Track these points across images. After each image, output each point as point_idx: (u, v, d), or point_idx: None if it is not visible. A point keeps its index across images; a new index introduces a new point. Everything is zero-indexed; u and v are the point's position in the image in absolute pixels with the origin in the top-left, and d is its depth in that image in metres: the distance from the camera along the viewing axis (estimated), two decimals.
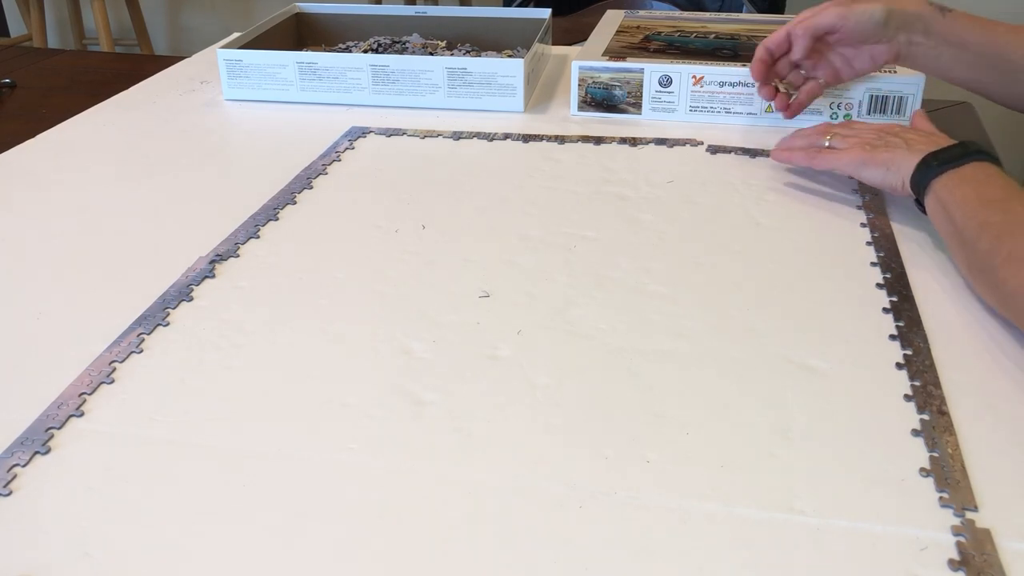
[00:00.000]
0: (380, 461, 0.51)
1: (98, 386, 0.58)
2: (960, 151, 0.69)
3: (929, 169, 0.69)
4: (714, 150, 0.91)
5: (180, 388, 0.58)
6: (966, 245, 0.64)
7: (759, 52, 0.87)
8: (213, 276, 0.70)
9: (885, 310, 0.64)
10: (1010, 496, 0.48)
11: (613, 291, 0.67)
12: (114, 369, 0.59)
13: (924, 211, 0.71)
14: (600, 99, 1.00)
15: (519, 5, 1.80)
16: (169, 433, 0.54)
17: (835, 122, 0.89)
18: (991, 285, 0.61)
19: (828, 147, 0.80)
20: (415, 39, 1.17)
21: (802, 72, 0.90)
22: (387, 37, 1.18)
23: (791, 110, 0.91)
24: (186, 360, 0.60)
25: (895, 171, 0.73)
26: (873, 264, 0.69)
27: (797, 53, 0.86)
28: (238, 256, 0.73)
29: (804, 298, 0.66)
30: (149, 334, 0.63)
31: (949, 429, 0.52)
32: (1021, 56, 0.79)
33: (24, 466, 0.51)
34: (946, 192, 0.67)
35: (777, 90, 0.90)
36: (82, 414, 0.55)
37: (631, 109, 0.99)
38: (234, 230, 0.77)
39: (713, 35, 1.08)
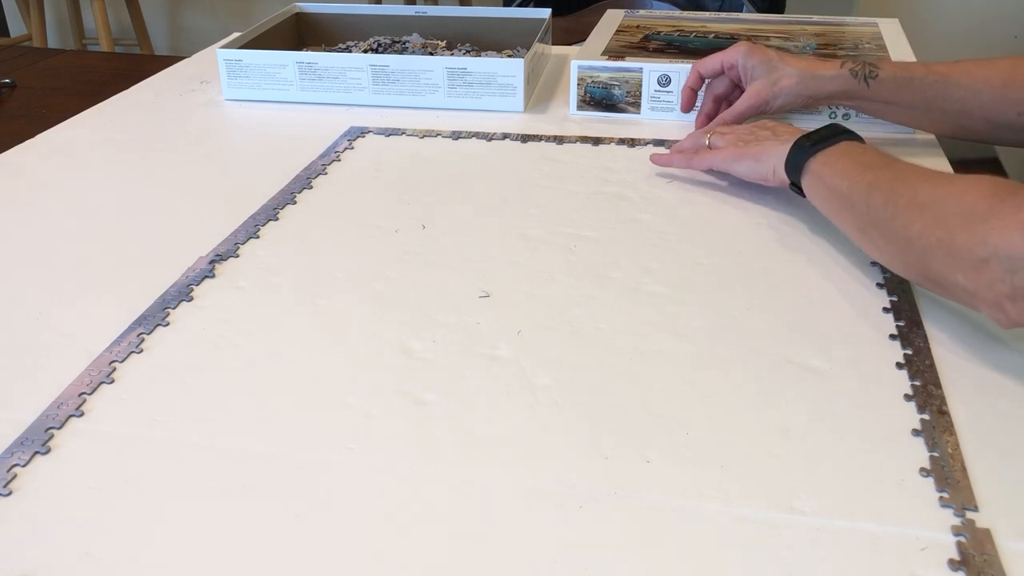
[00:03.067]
0: (380, 461, 0.51)
1: (98, 386, 0.58)
2: (830, 131, 0.71)
3: (803, 150, 0.71)
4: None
5: (180, 388, 0.58)
6: (856, 206, 0.65)
7: (690, 79, 0.93)
8: (213, 276, 0.70)
9: (885, 310, 0.64)
10: (1010, 496, 0.48)
11: (613, 291, 0.67)
12: (114, 369, 0.59)
13: (802, 194, 0.72)
14: (599, 98, 1.00)
15: (519, 5, 1.80)
16: (169, 433, 0.54)
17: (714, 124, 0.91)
18: (889, 236, 0.61)
19: (707, 147, 0.84)
20: (415, 39, 1.17)
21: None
22: (387, 37, 1.18)
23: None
24: (186, 360, 0.60)
25: (764, 161, 0.76)
26: (873, 264, 0.69)
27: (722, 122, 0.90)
28: (238, 256, 0.73)
29: (804, 298, 0.66)
30: (149, 334, 0.63)
31: (949, 429, 0.52)
32: (948, 104, 0.79)
33: (24, 466, 0.51)
34: (823, 167, 0.69)
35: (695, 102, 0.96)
36: (82, 414, 0.55)
37: (630, 108, 0.99)
38: (234, 230, 0.77)
39: (713, 35, 1.08)
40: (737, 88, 0.90)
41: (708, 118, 0.92)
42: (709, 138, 0.84)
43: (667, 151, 0.89)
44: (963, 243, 0.54)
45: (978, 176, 0.57)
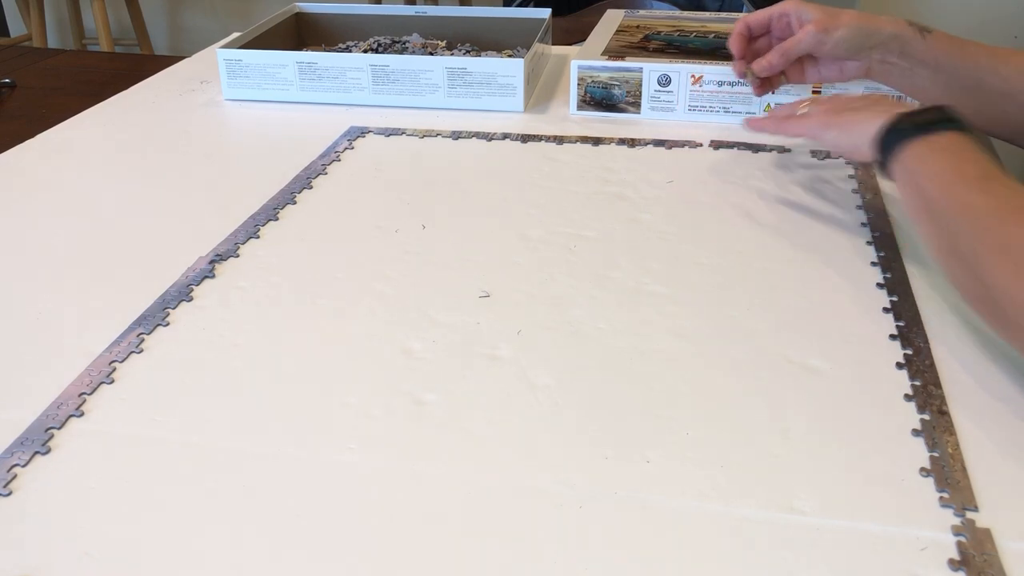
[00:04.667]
0: (380, 461, 0.51)
1: (98, 386, 0.58)
2: (937, 116, 0.64)
3: (899, 133, 0.65)
4: (716, 145, 0.91)
5: (180, 388, 0.58)
6: (941, 226, 0.59)
7: (739, 26, 0.87)
8: (213, 276, 0.70)
9: (885, 310, 0.64)
10: (1010, 496, 0.48)
11: (613, 291, 0.67)
12: (114, 369, 0.59)
13: (885, 174, 0.67)
14: (599, 98, 1.00)
15: (519, 5, 1.80)
16: (169, 433, 0.54)
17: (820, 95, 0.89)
18: (969, 273, 0.56)
19: (800, 115, 0.79)
20: (415, 39, 1.17)
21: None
22: (387, 37, 1.18)
23: (760, 88, 0.90)
24: (186, 360, 0.60)
25: (855, 133, 0.70)
26: (873, 264, 0.69)
27: (769, 70, 0.86)
28: (238, 256, 0.73)
29: (804, 298, 0.66)
30: (149, 334, 0.63)
31: (949, 429, 0.52)
32: (996, 82, 0.76)
33: (24, 466, 0.51)
34: (918, 161, 0.63)
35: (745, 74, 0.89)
36: (82, 414, 0.55)
37: (630, 108, 0.99)
38: (234, 230, 0.77)
39: (713, 35, 1.08)
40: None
41: (744, 40, 0.87)
42: (806, 107, 0.79)
43: (750, 118, 0.85)
44: None
45: None
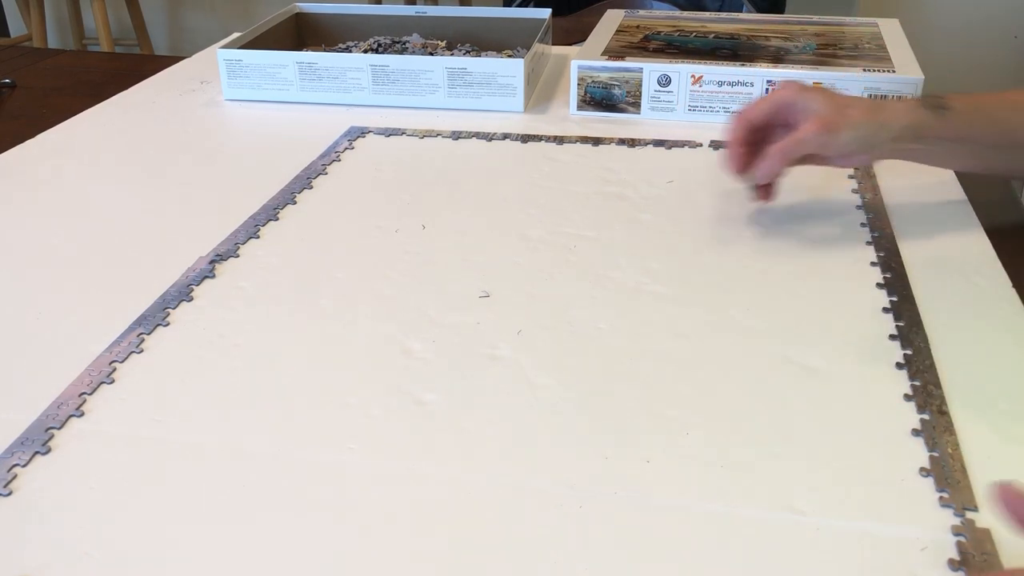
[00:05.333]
0: (380, 461, 0.51)
1: (98, 386, 0.58)
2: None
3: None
4: (716, 145, 0.91)
5: (180, 388, 0.58)
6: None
7: (737, 125, 0.73)
8: (213, 276, 0.70)
9: (885, 310, 0.64)
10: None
11: (613, 291, 0.67)
12: (114, 369, 0.59)
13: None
14: (599, 98, 1.00)
15: (519, 5, 1.80)
16: (169, 433, 0.54)
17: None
18: None
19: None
20: (415, 39, 1.17)
21: None
22: (387, 37, 1.18)
23: (764, 194, 0.76)
24: (186, 360, 0.60)
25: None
26: (873, 264, 0.69)
27: (771, 175, 0.74)
28: (238, 256, 0.73)
29: (804, 298, 0.66)
30: (149, 334, 0.63)
31: (949, 429, 0.52)
32: None
33: (24, 466, 0.51)
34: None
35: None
36: (82, 414, 0.55)
37: (630, 108, 0.99)
38: (234, 230, 0.77)
39: (713, 35, 1.08)
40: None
41: (745, 162, 0.74)
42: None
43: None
44: None
45: None
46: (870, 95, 0.93)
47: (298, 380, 0.58)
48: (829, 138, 0.69)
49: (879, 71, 0.92)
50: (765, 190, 0.76)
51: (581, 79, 0.99)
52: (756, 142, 0.73)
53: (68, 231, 0.78)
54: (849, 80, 0.93)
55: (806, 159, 0.73)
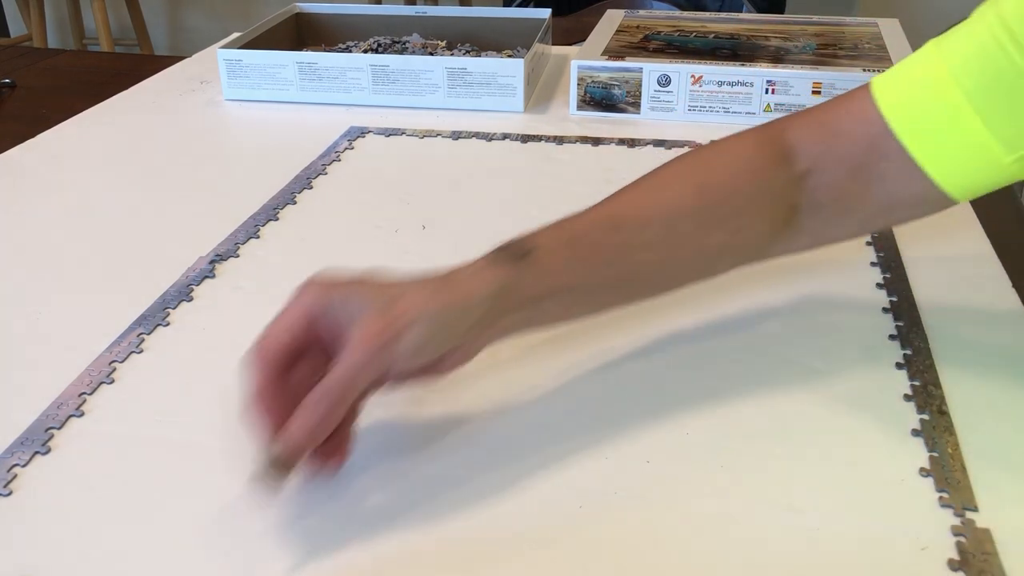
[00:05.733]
0: (380, 461, 0.51)
1: (98, 386, 0.58)
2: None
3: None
4: None
5: (180, 388, 0.58)
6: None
7: (256, 372, 0.47)
8: (213, 276, 0.70)
9: (885, 310, 0.64)
10: (1010, 496, 0.48)
11: None
12: (114, 369, 0.59)
13: None
14: (599, 98, 1.00)
15: (519, 5, 1.80)
16: (169, 433, 0.54)
17: None
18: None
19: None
20: (415, 39, 1.17)
21: None
22: (387, 37, 1.18)
23: (339, 460, 0.49)
24: (186, 360, 0.60)
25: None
26: (873, 264, 0.69)
27: (300, 449, 0.45)
28: (238, 256, 0.73)
29: (804, 298, 0.66)
30: (149, 334, 0.63)
31: (949, 429, 0.52)
32: (642, 253, 0.54)
33: (24, 466, 0.51)
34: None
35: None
36: (82, 414, 0.55)
37: (630, 108, 0.99)
38: (234, 230, 0.77)
39: (713, 35, 1.08)
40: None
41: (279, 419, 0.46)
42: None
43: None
44: None
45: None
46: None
47: None
48: (387, 353, 0.46)
49: (879, 71, 0.92)
50: (326, 453, 0.48)
51: (581, 79, 0.99)
52: (288, 384, 0.47)
53: (68, 231, 0.78)
54: (849, 80, 0.93)
55: (372, 387, 0.49)
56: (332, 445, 0.48)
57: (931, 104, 0.51)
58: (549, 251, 0.51)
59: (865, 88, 0.55)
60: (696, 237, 0.55)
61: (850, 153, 0.55)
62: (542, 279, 0.51)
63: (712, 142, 0.59)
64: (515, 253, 0.51)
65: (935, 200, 0.54)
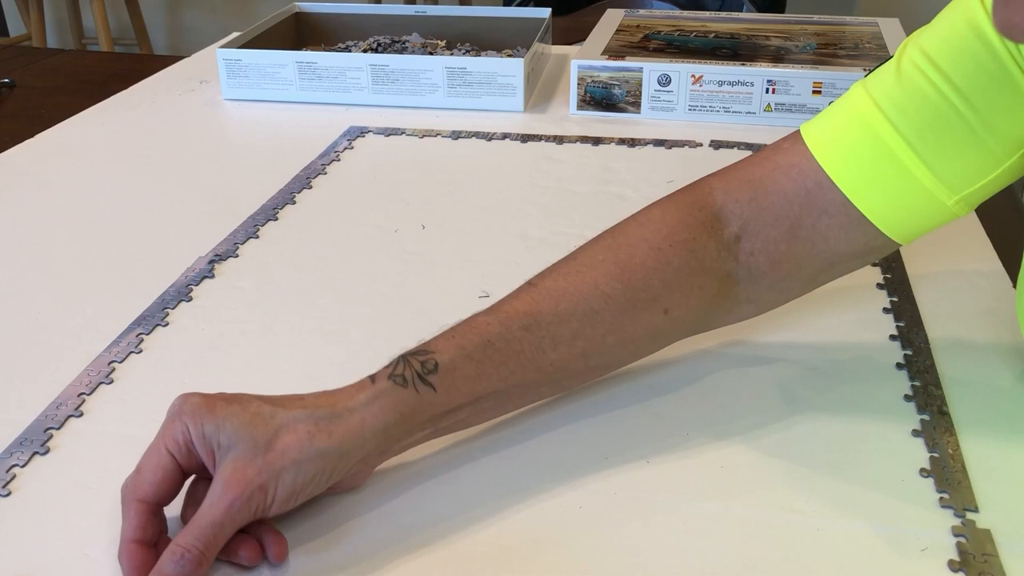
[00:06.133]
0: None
1: (97, 386, 0.58)
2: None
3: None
4: (717, 145, 0.91)
5: (179, 388, 0.57)
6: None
7: (132, 522, 0.44)
8: (212, 276, 0.70)
9: (885, 310, 0.64)
10: (1010, 497, 0.48)
11: None
12: (113, 369, 0.59)
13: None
14: (599, 98, 1.00)
15: (519, 5, 1.80)
16: None
17: None
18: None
19: None
20: (415, 39, 1.17)
21: None
22: (387, 37, 1.18)
23: None
24: (185, 360, 0.60)
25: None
26: (874, 265, 0.69)
27: None
28: (237, 256, 0.73)
29: (804, 298, 0.65)
30: (148, 334, 0.63)
31: (949, 429, 0.52)
32: (562, 348, 0.50)
33: (23, 466, 0.51)
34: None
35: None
36: (81, 414, 0.55)
37: (630, 108, 0.99)
38: (233, 230, 0.77)
39: (713, 34, 1.08)
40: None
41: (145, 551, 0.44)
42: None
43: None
44: None
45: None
46: None
47: (297, 380, 0.58)
48: (256, 502, 0.43)
49: None
50: (255, 550, 0.45)
51: (581, 79, 0.99)
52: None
53: (68, 231, 0.78)
54: (850, 79, 0.93)
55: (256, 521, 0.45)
56: (263, 539, 0.45)
57: (871, 152, 0.49)
58: (454, 367, 0.47)
59: (794, 139, 0.53)
60: (620, 324, 0.51)
61: (785, 213, 0.52)
62: (445, 399, 0.47)
63: (634, 215, 0.55)
64: (417, 374, 0.47)
65: (879, 247, 0.52)
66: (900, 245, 0.52)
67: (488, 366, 0.48)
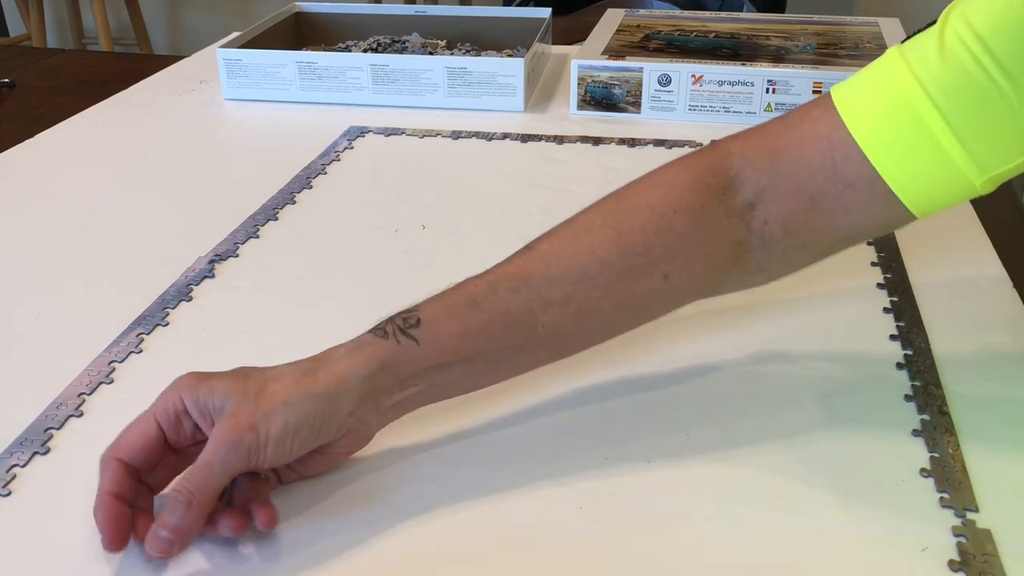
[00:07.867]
0: (379, 461, 0.51)
1: (97, 386, 0.58)
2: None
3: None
4: None
5: None
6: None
7: (108, 475, 0.46)
8: (212, 276, 0.70)
9: (885, 310, 0.64)
10: (1011, 497, 0.48)
11: None
12: (113, 369, 0.59)
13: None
14: (599, 98, 1.00)
15: (519, 5, 1.80)
16: None
17: None
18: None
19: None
20: (415, 38, 1.17)
21: None
22: (387, 36, 1.18)
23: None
24: (185, 360, 0.60)
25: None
26: (873, 264, 0.69)
27: (168, 545, 0.44)
28: (237, 256, 0.73)
29: (805, 298, 0.66)
30: (148, 334, 0.63)
31: (949, 429, 0.52)
32: (549, 316, 0.50)
33: (23, 466, 0.51)
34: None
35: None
36: (81, 414, 0.55)
37: (630, 108, 0.99)
38: (233, 230, 0.77)
39: (713, 34, 1.08)
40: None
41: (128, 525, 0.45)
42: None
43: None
44: None
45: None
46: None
47: None
48: (246, 446, 0.44)
49: None
50: (242, 516, 0.46)
51: (581, 78, 0.99)
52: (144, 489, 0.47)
53: (67, 231, 0.78)
54: None
55: (247, 491, 0.47)
56: (251, 508, 0.46)
57: (907, 128, 0.48)
58: (436, 321, 0.48)
59: (825, 107, 0.51)
60: (617, 289, 0.50)
61: (807, 184, 0.50)
62: (429, 353, 0.48)
63: (645, 175, 0.54)
64: (399, 327, 0.48)
65: (898, 220, 0.51)
66: (916, 219, 0.51)
67: (473, 324, 0.49)
